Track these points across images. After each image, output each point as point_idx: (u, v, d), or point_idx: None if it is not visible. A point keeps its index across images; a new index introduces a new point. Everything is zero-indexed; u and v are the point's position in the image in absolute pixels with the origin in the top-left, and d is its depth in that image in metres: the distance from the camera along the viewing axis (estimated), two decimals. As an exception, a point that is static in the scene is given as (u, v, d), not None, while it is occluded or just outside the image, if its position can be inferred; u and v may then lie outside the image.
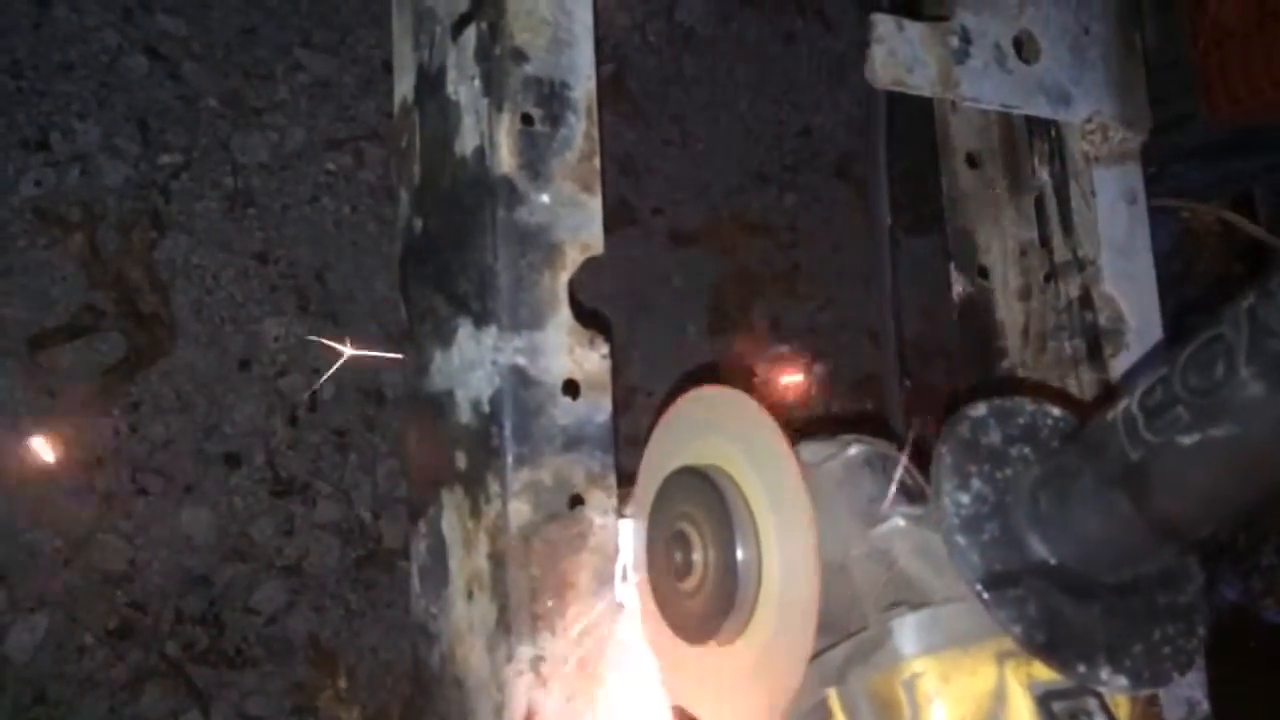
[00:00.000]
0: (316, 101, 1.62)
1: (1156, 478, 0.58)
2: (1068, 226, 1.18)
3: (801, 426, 0.87)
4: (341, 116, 1.63)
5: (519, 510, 0.79)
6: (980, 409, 0.72)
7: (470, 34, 0.84)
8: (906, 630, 0.67)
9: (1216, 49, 1.63)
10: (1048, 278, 1.20)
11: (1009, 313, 1.23)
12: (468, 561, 0.83)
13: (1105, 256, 1.11)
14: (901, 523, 0.74)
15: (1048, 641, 0.63)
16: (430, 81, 0.89)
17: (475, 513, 0.82)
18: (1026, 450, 0.70)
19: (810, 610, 0.67)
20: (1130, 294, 1.12)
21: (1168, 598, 0.68)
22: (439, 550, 0.87)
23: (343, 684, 1.55)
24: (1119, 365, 1.11)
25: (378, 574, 1.59)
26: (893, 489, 0.75)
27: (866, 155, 1.37)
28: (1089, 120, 1.12)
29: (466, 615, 0.83)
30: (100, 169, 1.49)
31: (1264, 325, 0.50)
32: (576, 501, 0.81)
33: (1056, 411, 0.74)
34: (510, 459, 0.79)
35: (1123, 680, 0.64)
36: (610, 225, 1.97)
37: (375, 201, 1.63)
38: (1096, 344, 1.14)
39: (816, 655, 0.71)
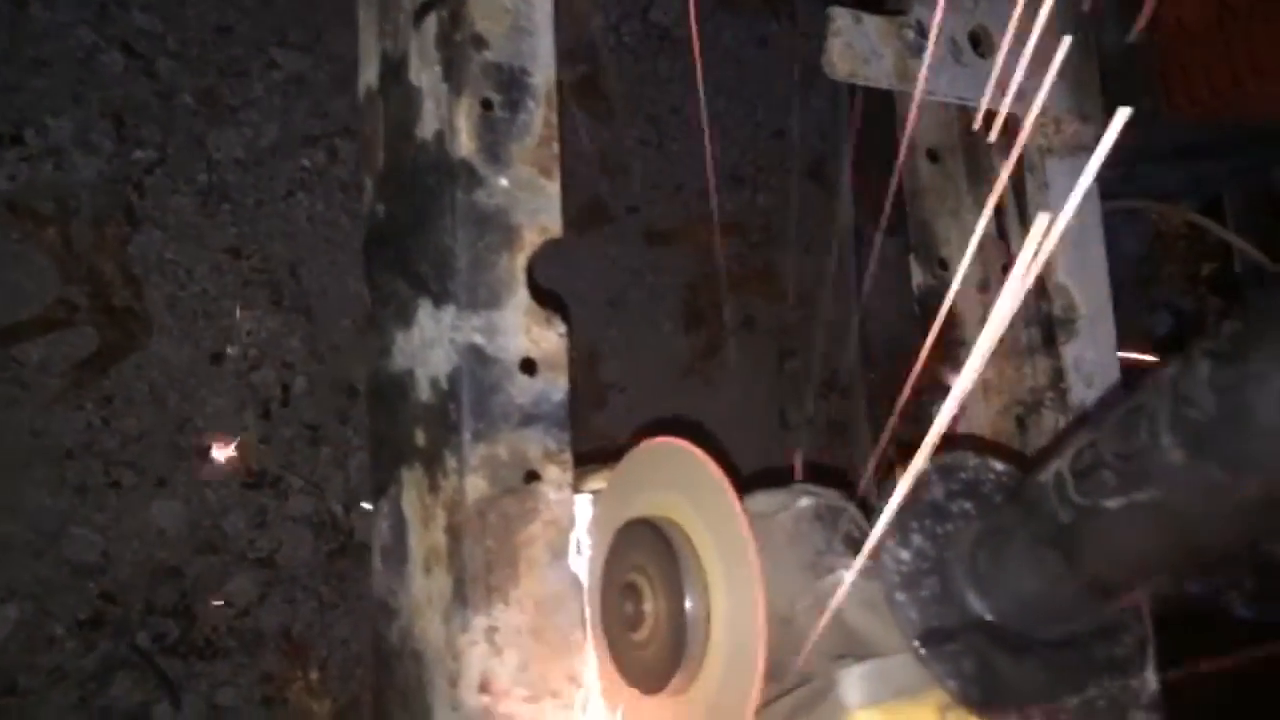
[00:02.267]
0: (291, 98, 1.64)
1: (1086, 539, 0.61)
2: (1024, 219, 1.21)
3: (757, 475, 0.89)
4: (316, 113, 1.65)
5: (475, 485, 0.81)
6: (923, 464, 0.74)
7: (431, 21, 0.86)
8: (851, 681, 0.69)
9: (1177, 48, 1.66)
10: (1005, 268, 1.22)
11: (968, 303, 1.25)
12: (426, 537, 0.84)
13: (1059, 247, 1.14)
14: (848, 575, 0.76)
15: (982, 697, 0.65)
16: (393, 69, 0.91)
17: (433, 488, 0.83)
18: (968, 505, 0.73)
19: (756, 661, 0.68)
20: (1083, 283, 1.15)
21: (1105, 650, 0.70)
22: (399, 528, 0.88)
23: (314, 676, 1.56)
24: (1070, 352, 1.13)
25: (350, 566, 1.60)
26: (829, 541, 0.77)
27: (832, 155, 1.40)
28: (1043, 113, 1.14)
29: (425, 589, 0.84)
30: (74, 164, 1.51)
31: (1184, 396, 0.53)
32: (532, 477, 0.83)
33: (1000, 466, 0.76)
34: (467, 435, 0.81)
35: None
36: (586, 223, 1.99)
37: (348, 197, 1.65)
38: (1050, 332, 1.17)
39: (765, 705, 0.73)
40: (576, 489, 0.86)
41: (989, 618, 0.67)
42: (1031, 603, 0.66)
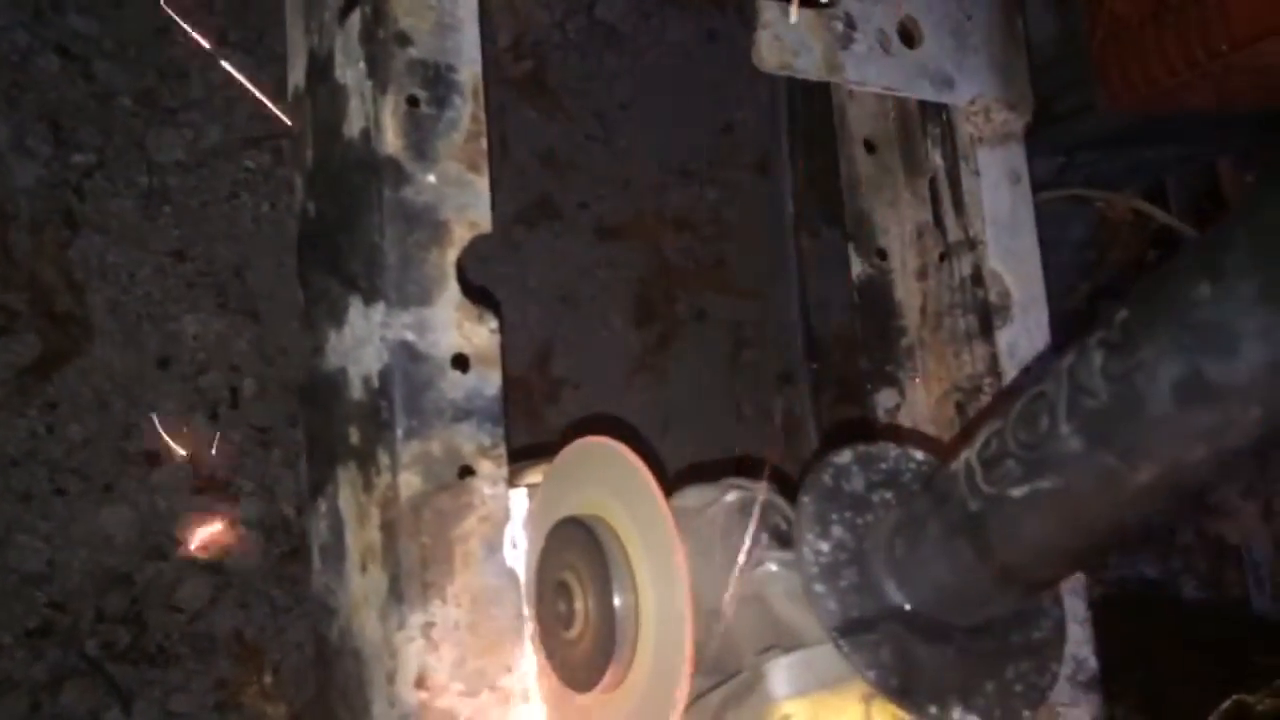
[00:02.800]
0: (232, 99, 1.63)
1: (993, 527, 0.62)
2: (959, 207, 1.22)
3: (693, 471, 0.90)
4: (258, 114, 1.64)
5: (409, 481, 0.81)
6: (845, 455, 0.75)
7: (355, 18, 0.86)
8: (778, 673, 0.69)
9: (1113, 40, 1.69)
10: (942, 257, 1.24)
11: (907, 292, 1.27)
12: (361, 534, 0.84)
13: (991, 234, 1.16)
14: (774, 567, 0.77)
15: (901, 685, 0.66)
16: (320, 67, 0.91)
17: (368, 486, 0.83)
18: (888, 495, 0.74)
19: (684, 656, 0.69)
20: (1015, 270, 1.17)
21: (1022, 636, 0.71)
22: (336, 526, 0.88)
23: (268, 680, 1.55)
24: (1005, 338, 1.15)
25: (302, 569, 1.59)
26: (749, 535, 0.78)
27: (772, 147, 1.41)
28: (972, 103, 1.16)
29: (361, 587, 0.84)
30: (10, 169, 1.49)
31: (1080, 384, 0.54)
32: (466, 472, 0.83)
33: (920, 455, 0.77)
34: (400, 432, 0.81)
35: (974, 719, 0.67)
36: (534, 219, 1.98)
37: (293, 198, 1.64)
38: (986, 319, 1.19)
39: (697, 698, 0.74)
40: (512, 484, 0.86)
41: (907, 606, 0.68)
42: (946, 591, 0.67)
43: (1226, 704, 1.25)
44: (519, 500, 0.85)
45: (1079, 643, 1.09)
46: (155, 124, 1.58)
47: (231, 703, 1.52)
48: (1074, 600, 1.10)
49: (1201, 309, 0.47)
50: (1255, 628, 2.00)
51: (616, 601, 0.73)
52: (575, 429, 0.84)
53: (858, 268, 1.26)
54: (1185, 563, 2.34)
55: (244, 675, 1.54)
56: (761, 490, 0.81)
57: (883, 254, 1.27)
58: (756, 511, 0.78)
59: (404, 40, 0.84)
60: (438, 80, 0.85)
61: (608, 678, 0.74)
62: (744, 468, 0.92)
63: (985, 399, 1.19)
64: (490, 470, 0.84)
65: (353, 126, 0.86)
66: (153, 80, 1.59)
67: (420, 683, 0.78)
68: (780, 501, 0.82)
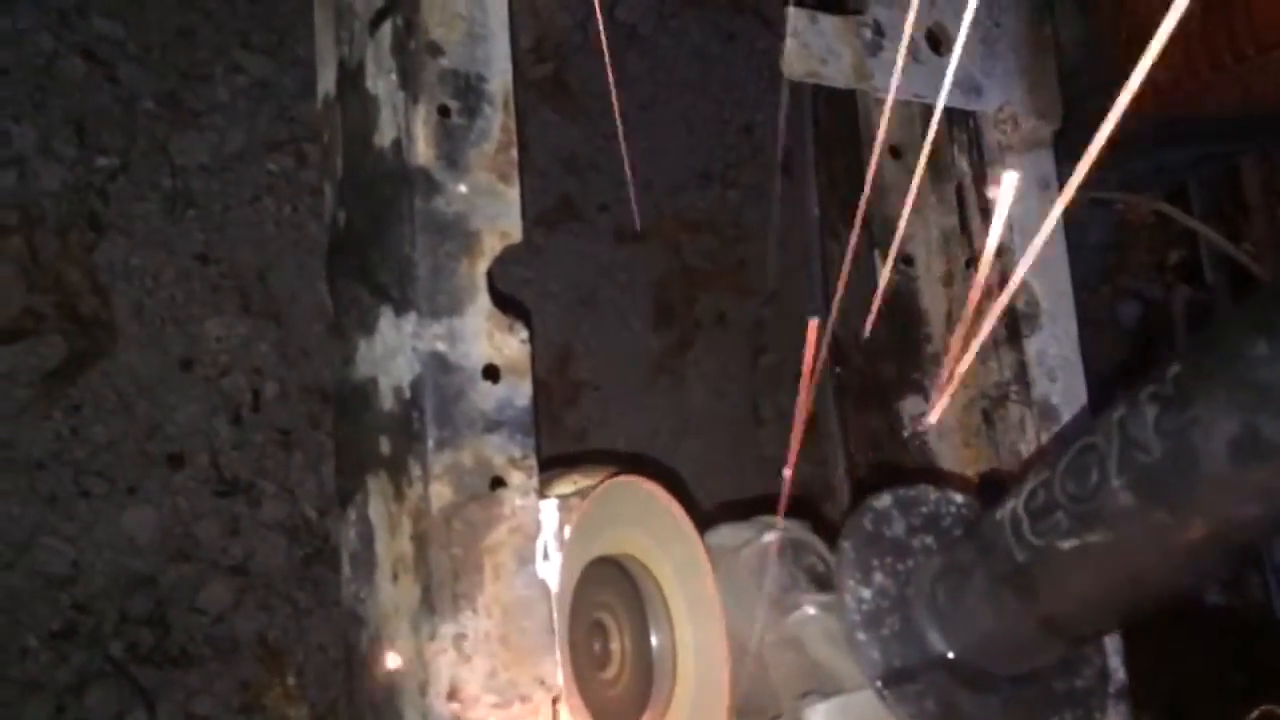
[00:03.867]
0: (256, 103, 1.63)
1: (1041, 579, 0.61)
2: (986, 214, 1.22)
3: (724, 508, 0.89)
4: (281, 117, 1.64)
5: (440, 492, 0.81)
6: (884, 499, 0.74)
7: (387, 29, 0.86)
8: (817, 718, 0.69)
9: (1138, 43, 1.67)
10: (968, 264, 1.23)
11: (933, 299, 1.26)
12: (393, 545, 0.84)
13: (1019, 241, 1.15)
14: (812, 610, 0.76)
15: None
16: (350, 76, 0.91)
17: (399, 496, 0.84)
18: (929, 540, 0.73)
19: (723, 696, 0.69)
20: (1044, 278, 1.16)
21: (1065, 684, 0.71)
22: (367, 536, 0.88)
23: (291, 682, 1.56)
24: (1033, 345, 1.14)
25: (325, 571, 1.59)
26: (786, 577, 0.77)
27: (798, 150, 1.40)
28: (1000, 110, 1.15)
29: (393, 597, 0.84)
30: (36, 172, 1.49)
31: (1132, 439, 0.53)
32: (498, 483, 0.83)
33: (959, 499, 0.77)
34: (431, 442, 0.81)
35: None
36: (555, 222, 1.99)
37: (316, 202, 1.64)
38: (1014, 326, 1.18)
39: None
40: (542, 494, 0.86)
41: (950, 655, 0.68)
42: (991, 640, 0.66)
43: (1255, 715, 1.25)
44: (549, 511, 0.85)
45: (1108, 653, 1.09)
46: (179, 127, 1.59)
47: (255, 705, 1.53)
48: (1102, 610, 1.09)
49: (1258, 367, 0.46)
50: (1274, 632, 1.98)
51: (654, 641, 0.73)
52: (610, 469, 0.83)
53: (883, 274, 1.26)
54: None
55: (267, 677, 1.54)
56: (801, 529, 0.81)
57: (909, 260, 1.26)
58: (805, 553, 0.77)
59: (435, 50, 0.84)
60: (469, 90, 0.85)
61: (645, 719, 0.74)
62: (775, 504, 0.91)
63: (1013, 406, 1.19)
64: (521, 481, 0.84)
65: (384, 137, 0.86)
66: (176, 83, 1.59)
67: (452, 694, 0.79)
68: (816, 541, 0.81)
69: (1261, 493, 0.48)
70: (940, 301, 1.26)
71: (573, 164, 1.91)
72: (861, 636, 0.68)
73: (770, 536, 0.81)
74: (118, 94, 1.56)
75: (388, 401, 0.85)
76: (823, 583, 0.78)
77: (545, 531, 0.84)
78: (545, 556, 0.84)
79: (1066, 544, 0.58)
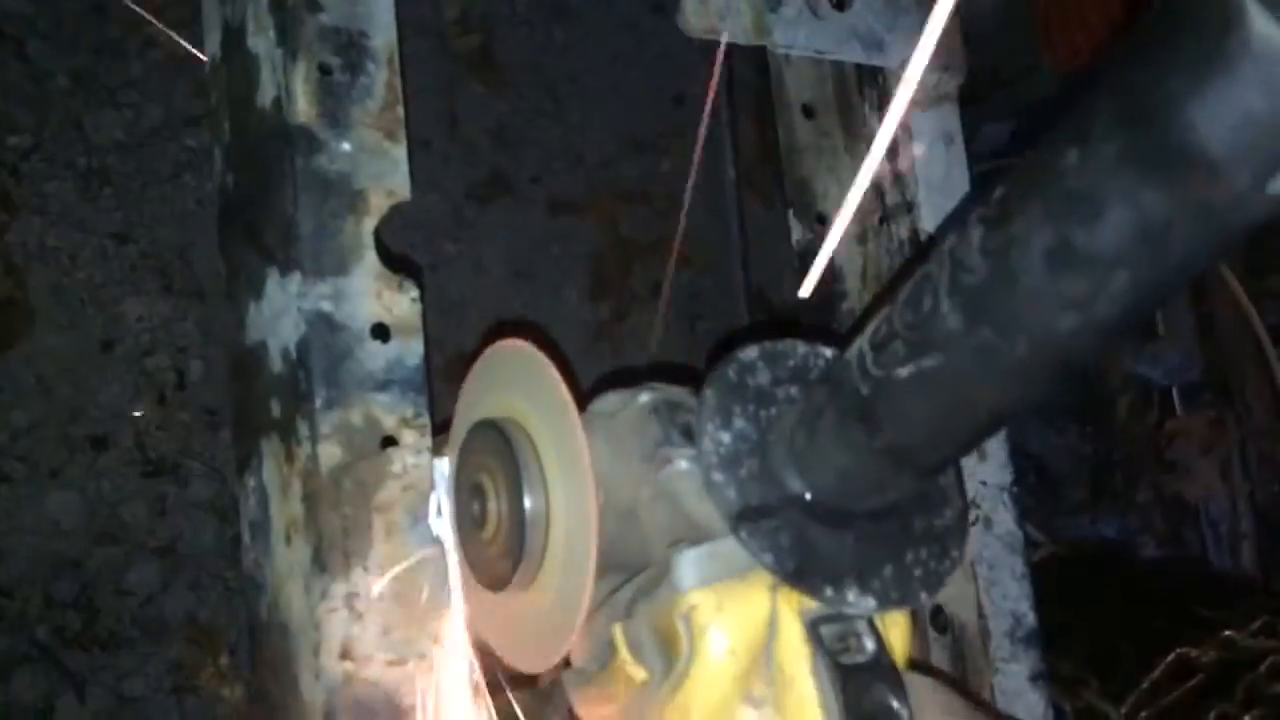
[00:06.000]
0: (171, 78, 1.60)
1: (883, 409, 0.62)
2: (895, 169, 1.22)
3: (616, 376, 0.89)
4: (198, 93, 1.62)
5: (329, 452, 0.80)
6: (751, 352, 0.74)
7: (266, -14, 0.85)
8: (684, 564, 0.69)
9: (1056, 1, 1.69)
10: (881, 220, 1.24)
11: (848, 257, 1.27)
12: (285, 507, 0.84)
13: (925, 195, 1.16)
14: (684, 464, 0.76)
15: (796, 568, 0.66)
16: (233, 36, 0.90)
17: (289, 458, 0.83)
18: (794, 390, 0.73)
19: (588, 555, 0.70)
20: (950, 230, 1.17)
21: (924, 522, 0.72)
22: (263, 500, 0.88)
23: (224, 661, 1.54)
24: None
25: (256, 550, 1.58)
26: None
27: (713, 114, 1.40)
28: (904, 65, 1.15)
29: (286, 560, 0.84)
30: (-56, 152, 1.46)
31: (960, 261, 0.53)
32: (389, 442, 0.83)
33: (829, 352, 0.77)
34: (318, 402, 0.80)
35: (870, 601, 0.67)
36: (486, 196, 1.97)
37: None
38: (923, 281, 1.19)
39: (611, 593, 0.75)
40: (438, 453, 0.86)
41: (807, 494, 0.68)
42: (842, 476, 0.67)
43: (1170, 657, 1.27)
44: (443, 469, 0.85)
45: (1017, 599, 1.10)
46: (93, 104, 1.56)
47: (187, 685, 1.52)
48: (1012, 557, 1.11)
49: (1068, 176, 0.46)
50: (1206, 582, 2.02)
51: (527, 503, 0.74)
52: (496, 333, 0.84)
53: (798, 234, 1.26)
54: (1144, 522, 2.35)
55: (199, 658, 1.53)
56: (682, 393, 0.81)
57: (822, 219, 1.26)
58: (680, 412, 0.77)
59: (314, 6, 0.83)
60: (350, 47, 0.84)
61: (519, 577, 0.75)
62: (668, 372, 0.91)
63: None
64: (414, 440, 0.84)
65: (265, 96, 0.85)
66: (89, 59, 1.57)
67: (345, 653, 0.78)
68: (692, 400, 0.81)
69: (1076, 302, 0.48)
70: (856, 259, 1.27)
71: (502, 137, 1.90)
72: (718, 477, 0.69)
73: (646, 397, 0.81)
74: (29, 71, 1.53)
75: (277, 364, 0.84)
76: (695, 438, 0.79)
77: (440, 488, 0.84)
78: (439, 513, 0.84)
79: (904, 371, 0.58)
